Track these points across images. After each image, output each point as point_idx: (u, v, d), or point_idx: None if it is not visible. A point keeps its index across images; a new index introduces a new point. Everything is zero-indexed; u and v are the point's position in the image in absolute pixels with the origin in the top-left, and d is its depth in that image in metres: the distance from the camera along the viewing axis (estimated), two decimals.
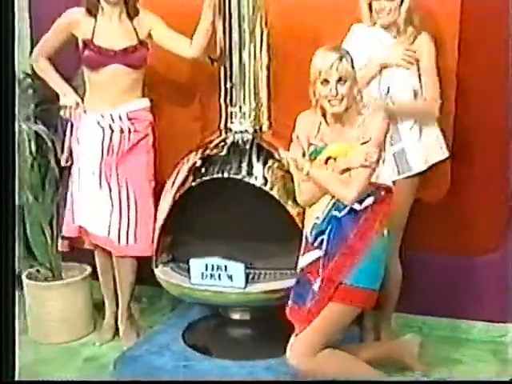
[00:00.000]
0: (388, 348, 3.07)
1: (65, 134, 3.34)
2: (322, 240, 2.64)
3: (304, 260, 2.71)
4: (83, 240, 3.38)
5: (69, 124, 3.32)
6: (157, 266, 3.23)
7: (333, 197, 2.62)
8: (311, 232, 2.68)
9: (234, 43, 3.13)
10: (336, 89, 2.57)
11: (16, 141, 3.20)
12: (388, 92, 2.98)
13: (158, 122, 3.48)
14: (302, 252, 2.75)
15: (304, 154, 2.69)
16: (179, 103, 3.66)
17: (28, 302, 3.55)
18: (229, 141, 3.18)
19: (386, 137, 2.63)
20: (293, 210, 2.94)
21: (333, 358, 2.67)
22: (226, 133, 3.21)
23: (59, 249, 3.50)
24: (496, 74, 3.20)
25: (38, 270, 3.64)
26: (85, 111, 3.26)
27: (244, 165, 3.03)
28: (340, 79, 2.57)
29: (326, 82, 2.57)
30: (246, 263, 3.05)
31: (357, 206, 2.60)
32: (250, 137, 3.17)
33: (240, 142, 3.16)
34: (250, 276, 3.07)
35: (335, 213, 2.62)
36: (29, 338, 3.53)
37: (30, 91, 3.58)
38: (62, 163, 3.37)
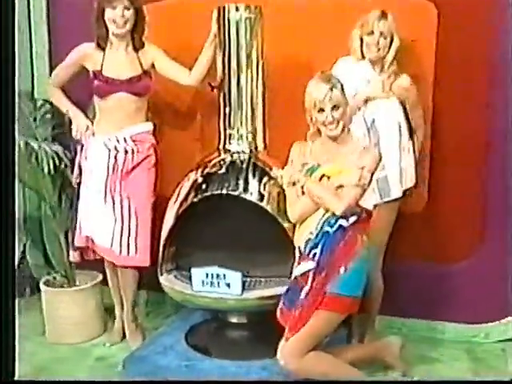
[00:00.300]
0: (372, 349, 3.05)
1: (76, 154, 3.33)
2: (315, 253, 2.62)
3: (299, 269, 2.69)
4: (92, 251, 3.35)
5: (79, 145, 3.30)
6: (161, 274, 3.19)
7: (325, 213, 2.61)
8: (305, 245, 2.67)
9: (233, 71, 3.11)
10: (332, 115, 2.59)
11: (16, 155, 3.18)
12: (373, 122, 2.96)
13: (162, 143, 3.46)
14: (296, 262, 2.73)
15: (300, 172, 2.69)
16: (182, 126, 3.66)
17: (45, 307, 3.52)
18: (227, 160, 3.15)
19: (377, 167, 2.64)
20: (285, 223, 2.91)
21: (318, 360, 2.67)
22: (225, 153, 3.19)
23: (71, 259, 3.47)
24: (470, 103, 3.22)
25: (54, 278, 3.61)
26: (93, 133, 3.25)
27: (241, 182, 3.01)
28: (334, 107, 2.59)
29: (321, 110, 2.60)
30: (243, 272, 3.02)
31: (344, 223, 2.59)
32: (247, 157, 3.15)
33: (237, 161, 3.14)
34: (247, 283, 3.04)
35: (327, 228, 2.61)
36: (46, 338, 3.51)
37: (49, 116, 3.58)
38: (73, 180, 3.36)
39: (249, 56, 3.10)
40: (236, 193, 2.99)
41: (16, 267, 3.98)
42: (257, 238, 3.09)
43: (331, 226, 2.61)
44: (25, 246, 4.00)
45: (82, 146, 3.28)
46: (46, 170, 3.36)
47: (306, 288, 2.62)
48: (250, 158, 3.14)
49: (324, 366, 2.70)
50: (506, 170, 3.22)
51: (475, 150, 3.25)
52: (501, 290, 3.31)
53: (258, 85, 3.14)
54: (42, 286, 3.53)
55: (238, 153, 3.16)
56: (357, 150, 2.66)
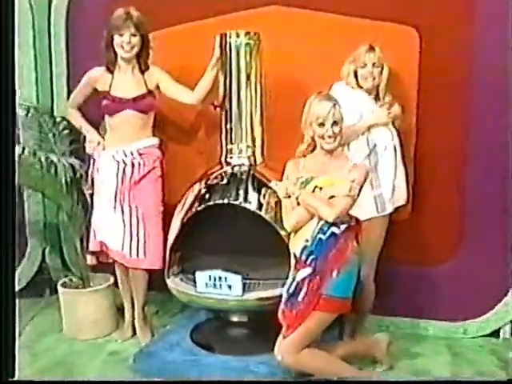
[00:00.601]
0: (362, 345, 3.00)
1: (89, 167, 3.31)
2: (313, 259, 2.59)
3: (299, 275, 2.63)
4: (106, 255, 3.32)
5: (91, 158, 3.28)
6: (168, 277, 3.15)
7: (319, 222, 2.59)
8: (302, 252, 2.63)
9: (233, 91, 3.08)
10: (332, 130, 2.59)
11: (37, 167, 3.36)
12: (374, 147, 2.94)
13: (169, 157, 3.42)
14: (294, 268, 2.68)
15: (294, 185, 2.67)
16: (186, 141, 3.62)
17: (62, 306, 3.48)
18: (228, 172, 3.11)
19: (365, 181, 2.63)
20: (282, 231, 2.86)
21: (312, 356, 2.65)
22: (226, 166, 3.14)
23: (88, 263, 3.42)
24: (451, 121, 3.19)
25: (70, 280, 3.57)
26: (103, 148, 3.23)
27: (241, 192, 2.98)
28: (334, 122, 2.59)
29: (322, 124, 2.59)
30: (243, 275, 2.98)
31: (336, 231, 2.56)
32: (246, 169, 3.11)
33: (238, 173, 3.10)
34: (247, 285, 2.99)
35: (321, 236, 2.58)
36: (63, 335, 3.46)
37: (66, 132, 3.52)
38: (86, 190, 3.34)
39: (248, 77, 3.07)
40: (237, 202, 2.96)
41: (36, 270, 3.99)
42: (256, 244, 3.03)
43: (324, 234, 2.58)
44: (44, 250, 3.97)
45: (94, 159, 3.26)
46: (63, 181, 3.34)
47: (303, 291, 2.59)
48: (249, 171, 3.10)
49: (318, 361, 2.67)
50: (482, 181, 3.17)
51: (454, 164, 3.21)
52: (478, 290, 3.26)
53: (257, 103, 3.10)
54: (60, 288, 3.49)
55: (239, 165, 3.11)
56: (347, 165, 2.63)
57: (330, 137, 2.60)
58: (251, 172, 3.09)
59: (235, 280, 2.93)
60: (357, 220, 2.66)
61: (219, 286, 2.95)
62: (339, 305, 2.62)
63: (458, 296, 3.33)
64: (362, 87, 2.96)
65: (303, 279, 2.61)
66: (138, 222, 3.19)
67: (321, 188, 2.61)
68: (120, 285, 3.42)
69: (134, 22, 3.05)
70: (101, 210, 3.23)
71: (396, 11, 3.17)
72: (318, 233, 2.59)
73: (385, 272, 3.19)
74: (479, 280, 3.25)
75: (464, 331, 3.34)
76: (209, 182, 3.10)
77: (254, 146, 3.12)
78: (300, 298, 2.60)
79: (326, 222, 2.55)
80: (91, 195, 3.32)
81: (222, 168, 3.14)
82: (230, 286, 2.94)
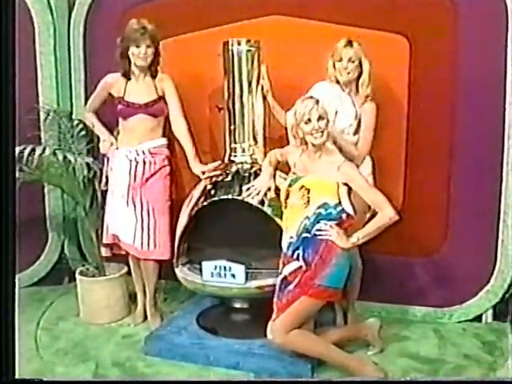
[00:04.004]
0: (354, 329, 2.97)
1: (103, 166, 3.30)
2: (298, 254, 2.59)
3: (286, 269, 2.63)
4: (119, 247, 3.30)
5: (105, 158, 3.28)
6: (177, 267, 3.12)
7: (303, 221, 2.58)
8: (288, 248, 2.64)
9: (236, 95, 3.04)
10: (318, 125, 2.54)
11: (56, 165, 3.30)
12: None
13: (178, 156, 3.39)
14: (282, 263, 2.68)
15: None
16: (194, 141, 3.55)
17: (79, 293, 3.46)
18: (232, 170, 3.07)
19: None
20: (280, 223, 2.82)
21: (302, 337, 2.62)
22: (230, 164, 3.11)
23: (102, 254, 3.42)
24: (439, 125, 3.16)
25: (87, 269, 3.55)
26: (117, 148, 3.22)
27: (244, 188, 2.92)
28: (319, 117, 2.54)
29: (308, 120, 2.55)
30: (246, 265, 2.94)
31: (322, 227, 2.57)
32: (249, 166, 3.07)
33: (241, 170, 3.06)
34: (249, 274, 2.94)
35: (305, 234, 2.58)
36: (80, 319, 3.43)
37: (83, 133, 3.51)
38: (102, 187, 3.33)
39: (250, 82, 3.03)
40: (240, 198, 2.92)
41: (56, 260, 3.97)
42: (258, 236, 2.99)
43: (309, 232, 2.57)
44: (63, 242, 3.95)
45: (108, 158, 3.25)
46: (79, 178, 3.32)
47: (295, 282, 2.58)
48: (251, 168, 3.06)
49: (307, 342, 2.63)
50: (467, 178, 3.15)
51: (442, 161, 3.17)
52: (462, 279, 3.24)
53: (258, 106, 3.07)
54: (78, 276, 3.47)
55: (242, 163, 3.08)
56: (335, 163, 2.59)
57: (317, 131, 2.55)
58: (253, 169, 3.05)
59: (239, 269, 2.89)
60: (348, 215, 2.60)
61: (224, 275, 2.91)
62: (330, 294, 2.60)
63: (444, 284, 3.31)
64: (338, 81, 2.93)
65: (292, 272, 2.60)
66: (148, 216, 3.17)
67: (308, 189, 2.59)
68: (133, 274, 3.40)
69: (149, 34, 3.03)
70: (114, 206, 3.21)
71: (387, 20, 3.13)
72: (303, 232, 2.58)
73: (376, 262, 3.19)
74: (463, 270, 3.22)
75: (450, 316, 3.31)
76: (214, 179, 3.07)
77: (256, 145, 3.09)
78: (291, 287, 2.58)
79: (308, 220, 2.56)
80: (105, 192, 3.30)
81: (226, 166, 3.12)
82: (233, 275, 2.90)
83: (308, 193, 2.59)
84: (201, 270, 2.98)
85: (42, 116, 3.62)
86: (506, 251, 3.13)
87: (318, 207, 2.57)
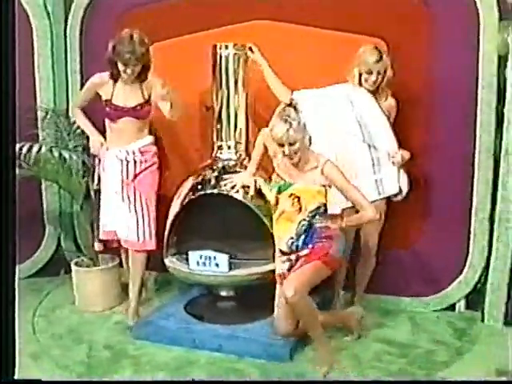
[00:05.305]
0: (339, 316, 3.16)
1: (95, 166, 3.42)
2: (297, 246, 2.77)
3: (281, 267, 2.83)
4: (113, 242, 3.45)
5: (97, 158, 3.38)
6: (166, 257, 3.28)
7: (300, 221, 2.73)
8: (290, 247, 2.78)
9: (224, 96, 3.24)
10: (289, 150, 2.66)
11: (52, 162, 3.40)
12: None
13: (170, 153, 3.60)
14: (279, 260, 2.85)
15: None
16: (185, 140, 3.77)
17: (75, 282, 3.62)
18: (219, 166, 3.26)
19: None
20: (263, 217, 3.04)
21: (310, 301, 2.72)
22: (217, 160, 3.30)
23: (96, 249, 3.59)
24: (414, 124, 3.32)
25: (82, 260, 3.69)
26: (107, 148, 3.29)
27: (223, 182, 3.12)
28: (291, 143, 2.64)
29: (281, 145, 2.67)
30: (231, 255, 3.11)
31: (319, 223, 2.76)
32: (234, 163, 3.27)
33: (226, 167, 3.25)
34: (233, 264, 3.11)
35: (305, 232, 2.76)
36: (75, 307, 3.61)
37: (79, 131, 3.61)
38: (94, 187, 3.45)
39: (236, 84, 3.22)
40: (226, 192, 3.10)
41: (53, 253, 4.11)
42: (241, 228, 3.18)
43: (307, 229, 2.74)
44: (60, 235, 4.09)
45: (99, 160, 3.35)
46: (74, 174, 3.46)
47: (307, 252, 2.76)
48: (236, 165, 3.25)
49: (310, 308, 2.73)
50: (443, 180, 3.33)
51: (420, 161, 3.30)
52: (437, 271, 3.43)
53: (242, 107, 3.26)
54: (73, 267, 3.61)
55: (227, 160, 3.27)
56: (317, 166, 2.72)
57: (289, 155, 2.67)
58: (238, 166, 3.24)
59: (222, 259, 3.06)
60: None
61: (208, 264, 3.08)
62: (337, 263, 2.83)
63: (421, 275, 3.49)
64: (362, 85, 3.08)
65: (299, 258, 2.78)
66: (142, 208, 3.25)
67: (298, 197, 2.72)
68: (124, 266, 3.55)
69: (137, 56, 3.01)
70: (109, 203, 3.29)
71: (366, 24, 3.31)
72: (302, 231, 2.74)
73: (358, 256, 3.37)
74: (438, 262, 3.41)
75: (426, 306, 3.49)
76: (202, 175, 3.25)
77: (240, 143, 3.28)
78: (304, 256, 2.75)
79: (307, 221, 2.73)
80: (98, 191, 3.41)
81: (213, 162, 3.30)
82: (217, 264, 3.06)
83: (298, 200, 2.72)
84: (188, 260, 3.15)
85: (41, 115, 3.79)
86: (477, 245, 3.33)
87: (311, 211, 2.73)
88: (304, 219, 2.74)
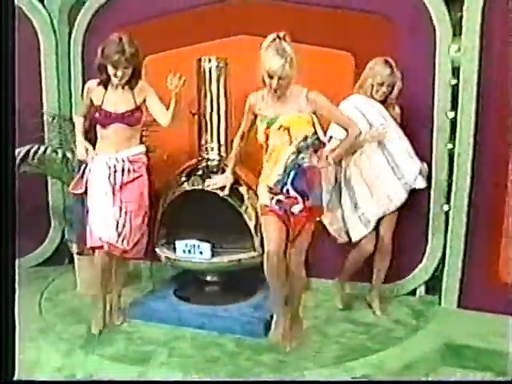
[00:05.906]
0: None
1: (84, 171, 3.34)
2: (288, 189, 2.83)
3: (275, 199, 2.87)
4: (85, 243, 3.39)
5: (84, 164, 3.35)
6: (157, 246, 3.66)
7: (288, 158, 2.76)
8: (276, 184, 2.83)
9: (207, 103, 3.60)
10: (277, 83, 2.69)
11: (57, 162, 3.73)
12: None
13: (159, 154, 3.90)
14: (268, 194, 2.87)
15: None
16: (174, 142, 4.06)
17: (76, 269, 3.99)
18: (203, 165, 3.63)
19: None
20: (245, 214, 3.43)
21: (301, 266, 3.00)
22: (201, 160, 3.66)
23: (72, 250, 3.97)
24: None
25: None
26: (96, 154, 3.26)
27: (206, 183, 3.41)
28: (280, 78, 2.67)
29: (271, 77, 2.69)
30: (214, 244, 3.44)
31: (305, 164, 2.83)
32: (216, 162, 3.63)
33: (210, 166, 3.62)
34: (215, 252, 3.45)
35: (292, 168, 2.80)
36: (77, 292, 3.99)
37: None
38: (80, 191, 3.35)
39: (218, 92, 3.60)
40: (209, 188, 3.38)
41: (58, 244, 4.46)
42: (223, 221, 3.52)
43: (295, 166, 2.79)
44: (64, 228, 4.45)
45: (86, 165, 3.30)
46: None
47: (298, 206, 2.84)
48: (218, 164, 3.62)
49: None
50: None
51: None
52: (400, 259, 3.73)
53: (223, 112, 3.63)
54: (75, 255, 3.98)
55: (211, 160, 3.64)
56: (301, 94, 2.77)
57: (276, 89, 2.69)
58: (220, 165, 3.60)
59: (205, 247, 3.43)
60: (318, 139, 2.82)
61: (193, 252, 3.44)
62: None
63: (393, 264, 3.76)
64: (373, 97, 3.31)
65: (281, 201, 2.85)
66: (125, 217, 3.22)
67: (287, 128, 2.73)
68: (100, 274, 3.34)
69: (126, 57, 3.02)
70: (99, 209, 3.22)
71: (334, 38, 3.67)
72: (290, 166, 2.78)
73: (332, 246, 3.73)
74: (401, 251, 3.71)
75: (391, 291, 3.84)
76: (187, 172, 3.63)
77: (221, 144, 3.65)
78: (295, 211, 2.85)
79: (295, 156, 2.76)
80: (86, 198, 3.37)
81: (198, 162, 3.68)
82: (201, 252, 3.43)
83: (288, 131, 2.74)
84: (175, 249, 3.52)
85: (47, 119, 4.17)
86: (436, 234, 3.71)
87: (300, 142, 2.75)
88: (293, 152, 2.76)
